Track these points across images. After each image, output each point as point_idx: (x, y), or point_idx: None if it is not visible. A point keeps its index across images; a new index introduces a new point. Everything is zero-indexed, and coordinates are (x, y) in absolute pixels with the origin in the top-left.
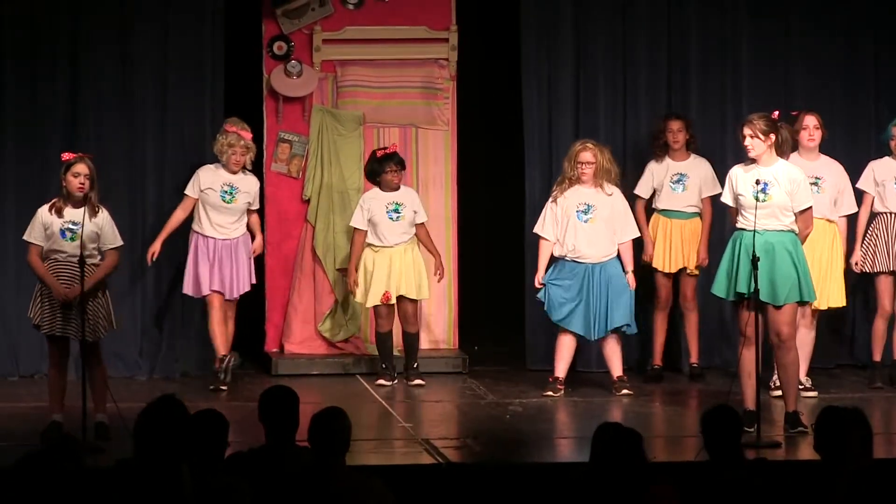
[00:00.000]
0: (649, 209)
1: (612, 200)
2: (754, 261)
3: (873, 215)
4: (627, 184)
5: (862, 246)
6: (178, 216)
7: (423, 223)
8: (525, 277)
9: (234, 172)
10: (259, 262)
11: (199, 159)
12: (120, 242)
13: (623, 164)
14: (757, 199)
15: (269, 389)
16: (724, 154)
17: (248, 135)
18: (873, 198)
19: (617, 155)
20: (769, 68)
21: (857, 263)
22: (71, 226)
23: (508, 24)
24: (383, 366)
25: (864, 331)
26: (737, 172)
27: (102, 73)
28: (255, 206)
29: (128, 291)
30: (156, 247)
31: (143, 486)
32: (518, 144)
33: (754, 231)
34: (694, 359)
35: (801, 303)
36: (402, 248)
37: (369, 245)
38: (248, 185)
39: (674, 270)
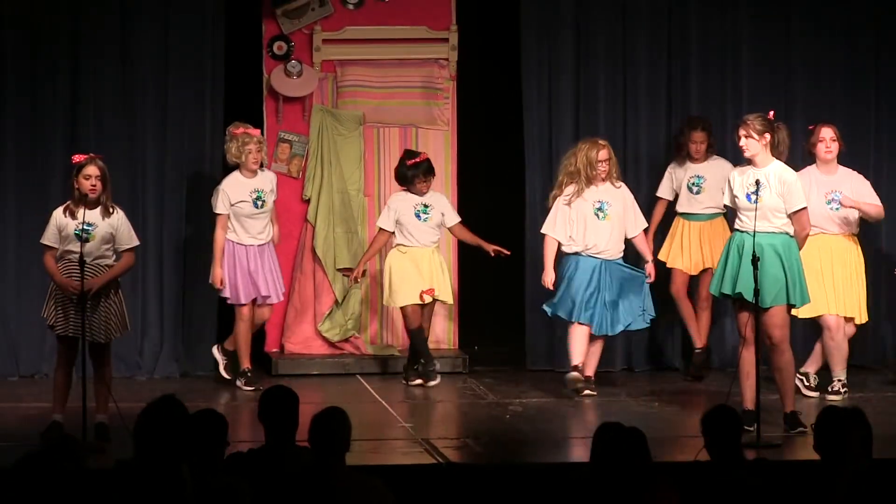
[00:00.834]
0: (670, 212)
1: (621, 193)
2: (754, 261)
3: None
4: (627, 184)
5: None
6: (221, 236)
7: (458, 222)
8: (525, 277)
9: (254, 171)
10: None
11: (199, 159)
12: (136, 242)
13: (623, 163)
14: (749, 201)
15: (269, 389)
16: (725, 154)
17: (255, 131)
18: None
19: (617, 155)
20: (769, 68)
21: None
22: (86, 227)
23: (508, 24)
24: (420, 363)
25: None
26: (734, 175)
27: (102, 73)
28: (275, 198)
29: (128, 292)
30: (220, 273)
31: (143, 487)
32: (518, 144)
33: (754, 232)
34: (700, 344)
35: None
36: (430, 251)
37: (397, 246)
38: (269, 182)
39: (696, 272)
